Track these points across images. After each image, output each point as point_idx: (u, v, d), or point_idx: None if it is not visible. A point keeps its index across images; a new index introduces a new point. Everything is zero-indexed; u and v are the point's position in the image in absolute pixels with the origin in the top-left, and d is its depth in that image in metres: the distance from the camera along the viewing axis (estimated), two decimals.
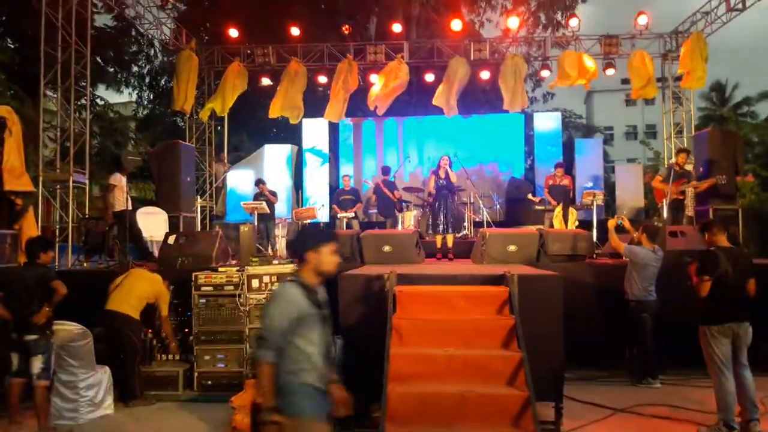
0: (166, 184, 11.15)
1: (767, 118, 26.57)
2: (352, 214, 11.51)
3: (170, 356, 6.98)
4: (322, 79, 14.16)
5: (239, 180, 14.06)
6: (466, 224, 11.47)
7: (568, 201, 10.34)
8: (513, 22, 13.82)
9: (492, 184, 14.38)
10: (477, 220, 12.00)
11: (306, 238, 3.27)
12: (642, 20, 12.69)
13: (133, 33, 19.94)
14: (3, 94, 15.68)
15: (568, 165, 12.07)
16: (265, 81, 14.15)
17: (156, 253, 8.95)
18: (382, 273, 5.82)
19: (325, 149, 14.80)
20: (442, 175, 9.04)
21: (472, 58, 13.27)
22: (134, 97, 23.51)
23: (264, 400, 3.02)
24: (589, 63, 12.61)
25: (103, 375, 6.21)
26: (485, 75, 13.93)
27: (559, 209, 10.20)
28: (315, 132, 14.80)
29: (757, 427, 5.03)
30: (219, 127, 15.44)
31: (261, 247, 10.00)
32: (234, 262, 8.43)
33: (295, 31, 13.41)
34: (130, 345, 6.47)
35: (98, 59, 18.00)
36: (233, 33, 13.55)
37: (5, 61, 16.58)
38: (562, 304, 5.65)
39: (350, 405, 3.27)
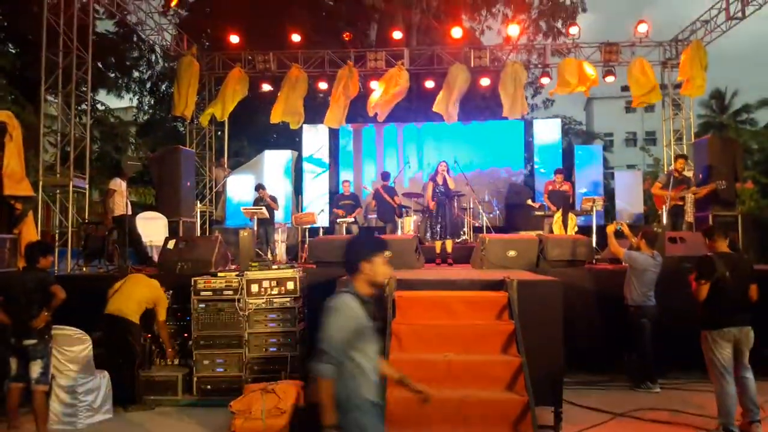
0: (166, 189, 11.17)
1: (766, 126, 26.65)
2: (352, 219, 11.52)
3: (169, 361, 6.98)
4: (323, 85, 14.20)
5: (239, 185, 14.07)
6: (465, 230, 11.50)
7: (568, 207, 10.35)
8: (513, 30, 13.87)
9: (492, 189, 14.39)
10: (477, 225, 12.01)
11: (360, 248, 3.12)
12: (642, 28, 12.74)
13: (135, 39, 20.03)
14: (4, 98, 15.72)
15: (567, 171, 12.10)
16: (266, 87, 14.19)
17: (155, 258, 8.95)
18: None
19: (325, 157, 14.78)
20: (440, 181, 9.07)
21: (472, 65, 13.31)
22: (135, 102, 23.61)
23: (325, 418, 2.86)
24: (590, 70, 12.65)
25: (102, 380, 6.21)
26: (485, 82, 13.97)
27: (558, 215, 10.21)
28: (315, 138, 14.82)
29: (759, 429, 5.04)
30: (219, 133, 15.47)
31: (260, 252, 9.99)
32: (233, 267, 8.44)
33: (295, 37, 13.46)
34: (129, 350, 6.46)
35: (99, 65, 18.06)
36: (234, 39, 13.60)
37: (6, 66, 16.63)
38: (562, 309, 5.65)
39: (429, 395, 3.23)
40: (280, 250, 10.74)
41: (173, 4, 13.88)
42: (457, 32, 13.42)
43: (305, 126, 14.26)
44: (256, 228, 10.21)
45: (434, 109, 13.12)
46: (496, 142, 15.21)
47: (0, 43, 17.84)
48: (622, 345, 7.15)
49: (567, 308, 5.79)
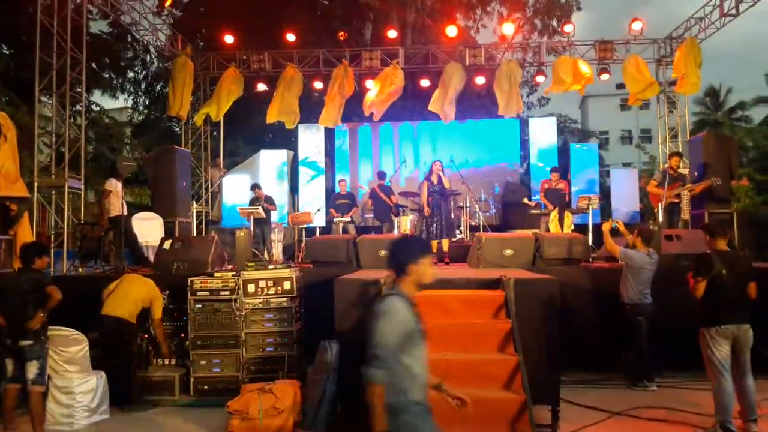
0: (161, 190, 11.15)
1: (761, 123, 26.73)
2: (349, 219, 11.52)
3: (166, 361, 6.96)
4: (318, 84, 14.20)
5: (235, 185, 14.05)
6: (462, 228, 11.50)
7: (564, 205, 10.37)
8: (508, 29, 13.89)
9: (488, 188, 14.41)
10: (473, 224, 12.02)
11: (407, 250, 3.09)
12: (636, 26, 12.76)
13: (129, 39, 19.96)
14: None
15: (563, 169, 12.11)
16: (261, 87, 14.18)
17: (152, 258, 8.94)
18: (378, 278, 5.82)
19: (320, 160, 14.70)
20: (435, 181, 9.08)
21: (467, 63, 13.33)
22: (130, 102, 23.53)
23: (376, 423, 2.84)
24: (584, 68, 12.67)
25: (99, 380, 6.19)
26: (480, 80, 13.99)
27: (554, 213, 10.23)
28: (311, 137, 14.80)
29: (755, 428, 5.05)
30: (215, 133, 15.45)
31: (257, 252, 9.99)
32: (230, 267, 8.43)
33: (290, 37, 13.45)
34: (126, 350, 6.46)
35: (94, 65, 17.99)
36: (229, 39, 13.58)
37: (0, 67, 16.55)
38: (559, 307, 5.65)
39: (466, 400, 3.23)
40: (277, 249, 10.73)
41: (167, 4, 13.86)
42: (451, 31, 13.43)
43: (301, 125, 14.25)
44: (252, 228, 10.21)
45: (430, 108, 13.13)
46: (491, 140, 15.23)
47: None
48: (619, 343, 7.16)
49: (564, 307, 5.80)
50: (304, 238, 10.52)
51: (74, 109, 11.65)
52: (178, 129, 17.48)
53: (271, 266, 7.31)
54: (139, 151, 20.48)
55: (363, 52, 13.72)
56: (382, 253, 7.84)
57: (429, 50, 14.03)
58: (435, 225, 9.04)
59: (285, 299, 6.83)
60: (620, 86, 22.19)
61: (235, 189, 13.90)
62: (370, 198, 12.42)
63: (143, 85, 23.04)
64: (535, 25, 20.79)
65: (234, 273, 7.09)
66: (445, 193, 9.24)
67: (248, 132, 20.76)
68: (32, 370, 5.34)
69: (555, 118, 17.41)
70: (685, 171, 10.52)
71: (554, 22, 20.36)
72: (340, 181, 12.77)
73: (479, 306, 5.68)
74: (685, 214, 9.56)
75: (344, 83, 12.93)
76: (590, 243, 8.80)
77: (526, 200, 11.63)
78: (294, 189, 14.65)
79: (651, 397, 6.45)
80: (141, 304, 6.65)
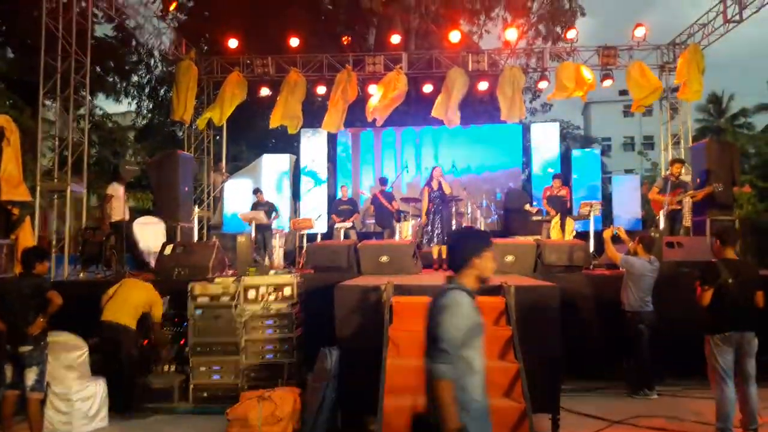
0: (164, 194, 11.16)
1: (764, 130, 26.69)
2: (350, 224, 11.51)
3: (165, 367, 6.95)
4: (321, 89, 14.19)
5: (237, 190, 14.06)
6: None
7: (566, 212, 10.35)
8: (511, 34, 13.87)
9: (489, 194, 14.39)
10: None
11: (471, 243, 3.05)
12: (639, 32, 12.73)
13: (134, 43, 19.99)
14: (2, 103, 15.72)
15: (565, 176, 12.10)
16: (264, 91, 14.19)
17: (153, 263, 8.94)
18: (379, 284, 5.81)
19: (321, 169, 14.60)
20: (436, 186, 9.09)
21: (470, 69, 13.31)
22: (133, 106, 23.57)
23: (449, 422, 2.70)
24: (587, 74, 12.64)
25: (98, 387, 6.18)
26: (483, 86, 13.97)
27: (556, 220, 10.21)
28: (313, 142, 14.80)
29: None
30: (218, 137, 15.47)
31: (258, 258, 9.98)
32: (231, 272, 8.42)
33: (294, 41, 13.46)
34: (127, 356, 6.45)
35: (98, 69, 18.05)
36: (233, 43, 13.59)
37: (4, 70, 16.62)
38: (559, 314, 5.64)
39: None
40: (278, 255, 10.73)
41: (172, 8, 13.89)
42: (455, 36, 13.42)
43: (303, 130, 14.25)
44: (253, 233, 10.21)
45: (433, 113, 13.12)
46: (494, 146, 15.22)
47: None
48: (620, 351, 7.14)
49: (564, 313, 5.77)
50: (305, 244, 10.51)
51: (78, 112, 11.68)
52: (181, 133, 17.54)
53: (271, 272, 7.32)
54: (142, 156, 20.51)
55: (366, 57, 13.72)
56: (383, 259, 7.84)
57: (432, 55, 14.04)
58: (436, 231, 9.04)
59: (285, 305, 6.82)
60: (623, 92, 22.12)
61: (237, 193, 13.91)
62: (372, 204, 12.41)
63: (147, 89, 23.08)
64: (539, 30, 20.79)
65: (234, 279, 7.08)
66: (446, 198, 9.25)
67: (251, 136, 20.79)
68: (31, 376, 5.33)
69: (558, 123, 17.35)
70: (686, 178, 10.48)
71: (558, 29, 20.34)
72: (342, 186, 12.77)
73: (479, 312, 5.64)
74: (687, 221, 9.52)
75: (347, 88, 12.94)
76: (591, 250, 8.78)
77: (527, 207, 11.61)
78: (296, 194, 14.65)
79: (652, 405, 6.43)
80: (141, 308, 6.65)
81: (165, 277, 7.92)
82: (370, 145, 15.51)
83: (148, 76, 22.82)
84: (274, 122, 13.31)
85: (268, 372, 6.64)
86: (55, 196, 10.09)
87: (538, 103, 24.11)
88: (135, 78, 22.68)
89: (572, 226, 10.24)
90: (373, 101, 13.02)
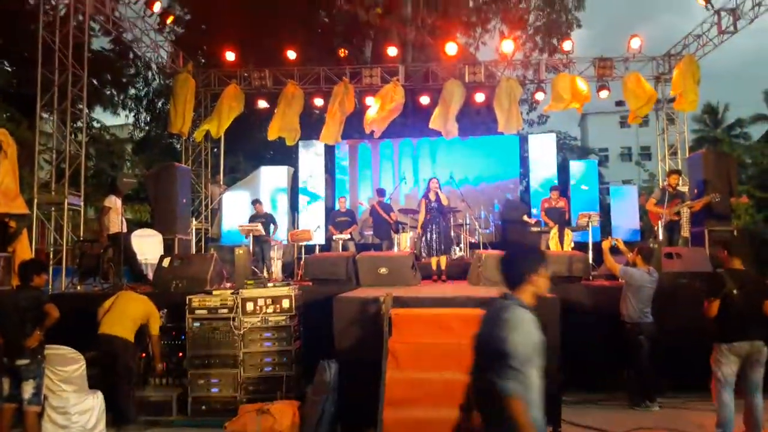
0: (162, 206, 11.15)
1: (760, 140, 26.79)
2: (348, 236, 11.50)
3: (163, 380, 6.90)
4: (319, 101, 14.24)
5: (235, 202, 14.04)
6: (462, 246, 11.47)
7: (564, 223, 10.36)
8: (508, 46, 13.94)
9: (487, 205, 14.40)
10: (473, 241, 12.00)
11: (529, 259, 3.04)
12: (635, 43, 12.80)
13: (131, 56, 20.07)
14: None
15: (563, 187, 12.12)
16: (262, 104, 14.22)
17: (150, 276, 8.90)
18: (378, 296, 5.80)
19: (319, 184, 14.58)
20: (433, 198, 9.08)
21: (466, 80, 13.37)
22: (131, 119, 23.59)
23: None
24: (582, 86, 12.70)
25: (96, 400, 6.13)
26: (480, 97, 14.01)
27: (554, 231, 10.21)
28: (311, 154, 14.81)
29: None
30: (215, 149, 15.48)
31: (256, 270, 9.96)
32: (229, 284, 8.38)
33: (291, 54, 13.50)
34: (125, 369, 6.40)
35: (95, 82, 18.08)
36: (230, 56, 13.62)
37: (2, 82, 16.64)
38: (559, 326, 5.62)
39: None
40: (276, 267, 10.70)
41: (169, 21, 13.90)
42: (451, 48, 13.47)
43: (301, 142, 14.27)
44: (251, 245, 10.18)
45: (431, 125, 13.16)
46: (491, 157, 15.24)
47: None
48: (620, 362, 7.12)
49: (564, 325, 5.76)
50: (303, 256, 10.49)
51: (75, 125, 11.67)
52: (178, 146, 17.51)
53: (270, 284, 7.29)
54: (140, 168, 20.51)
55: (363, 70, 13.77)
56: (382, 270, 7.82)
57: (429, 68, 14.10)
58: (434, 242, 9.03)
59: (284, 318, 6.79)
60: (620, 103, 22.18)
61: (235, 206, 13.88)
62: (370, 215, 12.40)
63: (144, 102, 23.12)
64: (536, 42, 20.92)
65: (233, 291, 7.05)
66: (444, 210, 9.24)
67: (249, 148, 20.81)
68: (28, 389, 5.30)
69: (554, 135, 17.39)
70: (684, 188, 10.51)
71: (554, 40, 20.47)
72: (339, 198, 12.77)
73: (479, 324, 5.63)
74: (686, 231, 9.54)
75: (345, 100, 12.98)
76: (590, 261, 8.77)
77: (526, 218, 11.61)
78: (294, 206, 14.64)
79: (653, 417, 6.39)
80: (139, 321, 6.60)
81: (163, 289, 7.89)
82: (367, 156, 15.53)
83: (145, 89, 22.89)
84: (272, 135, 13.35)
85: (267, 385, 6.59)
86: (53, 209, 10.06)
87: (535, 115, 24.21)
88: (132, 91, 22.72)
89: (571, 237, 10.24)
90: (371, 113, 13.06)
